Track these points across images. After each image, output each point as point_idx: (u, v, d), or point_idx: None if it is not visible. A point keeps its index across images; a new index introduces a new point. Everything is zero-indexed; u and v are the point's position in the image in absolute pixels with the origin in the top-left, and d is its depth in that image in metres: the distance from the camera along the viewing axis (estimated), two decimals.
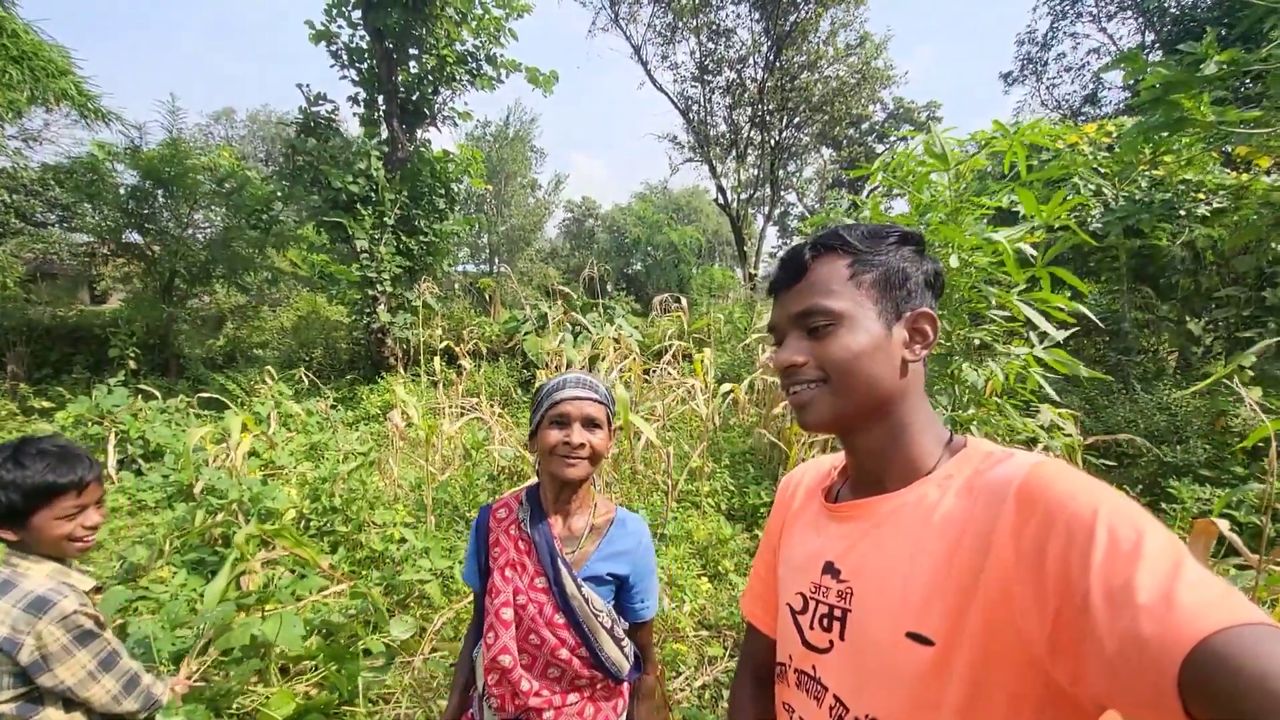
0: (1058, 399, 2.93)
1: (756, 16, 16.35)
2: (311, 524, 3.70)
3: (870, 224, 0.78)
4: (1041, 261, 2.24)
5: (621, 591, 1.31)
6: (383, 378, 9.11)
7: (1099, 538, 0.52)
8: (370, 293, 8.97)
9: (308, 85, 8.91)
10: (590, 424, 1.26)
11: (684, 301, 8.07)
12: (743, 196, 18.53)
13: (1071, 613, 0.52)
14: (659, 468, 4.78)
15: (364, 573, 3.46)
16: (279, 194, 9.57)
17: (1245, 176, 5.61)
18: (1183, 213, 5.81)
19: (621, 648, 1.26)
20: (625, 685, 1.33)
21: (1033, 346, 2.50)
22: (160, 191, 9.44)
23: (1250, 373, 4.23)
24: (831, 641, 0.74)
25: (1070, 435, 2.96)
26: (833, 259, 0.75)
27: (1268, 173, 5.50)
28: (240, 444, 4.04)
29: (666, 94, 17.78)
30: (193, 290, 10.46)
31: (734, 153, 17.93)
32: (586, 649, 1.23)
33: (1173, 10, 17.81)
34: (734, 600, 3.20)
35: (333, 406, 7.66)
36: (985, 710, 0.59)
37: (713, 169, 17.77)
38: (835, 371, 0.73)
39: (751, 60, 16.95)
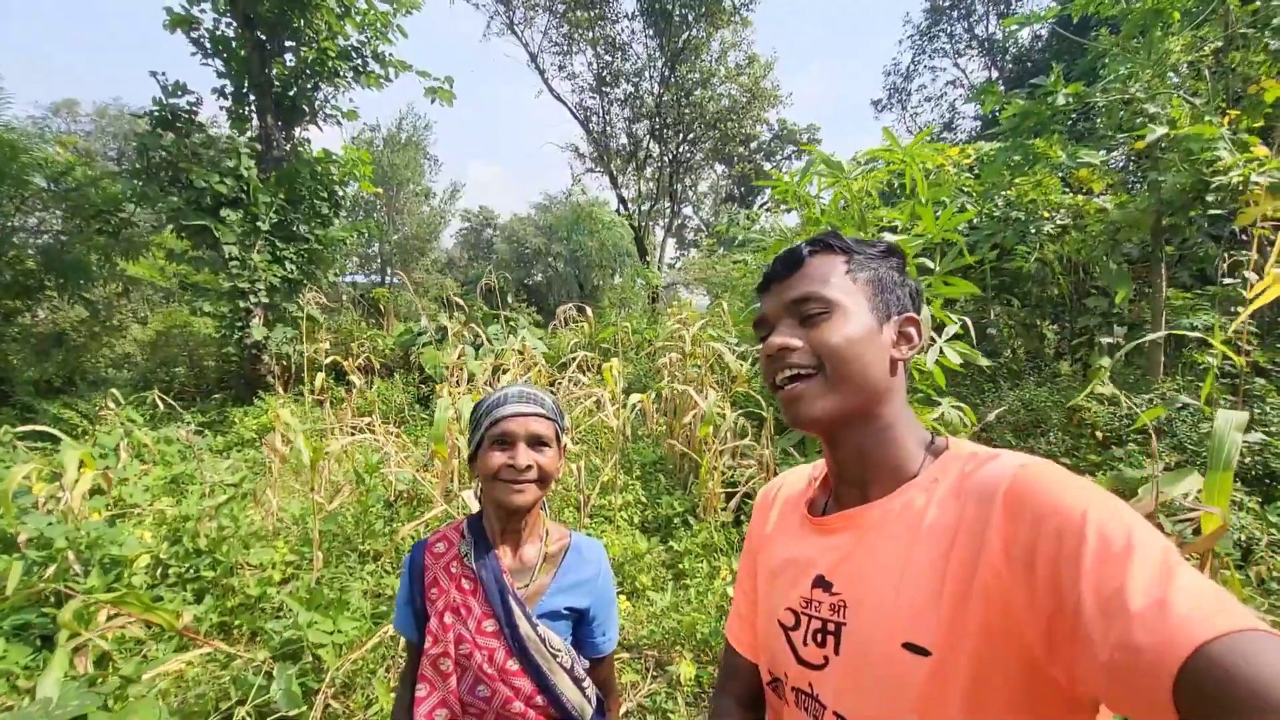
0: (939, 395, 3.12)
1: (651, 33, 16.69)
2: (171, 570, 3.22)
3: (859, 237, 0.82)
4: (940, 271, 2.36)
5: (580, 625, 1.20)
6: (259, 398, 8.27)
7: (1089, 540, 0.51)
8: (243, 304, 8.12)
9: (163, 74, 7.97)
10: (537, 443, 1.14)
11: (589, 311, 7.99)
12: (644, 208, 18.75)
13: (1064, 618, 0.51)
14: (570, 482, 4.63)
15: (236, 623, 3.05)
16: (130, 194, 8.46)
17: (1081, 199, 6.39)
18: (1033, 230, 6.53)
19: (582, 688, 1.14)
20: None
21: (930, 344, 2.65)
22: None
23: (1105, 370, 4.77)
24: (826, 657, 0.71)
25: (966, 426, 3.15)
26: (829, 256, 0.77)
27: (1101, 194, 6.27)
28: (78, 481, 3.46)
29: (565, 104, 17.70)
30: (22, 303, 9.01)
31: (634, 164, 18.13)
32: (545, 696, 1.09)
33: (1012, 50, 20.23)
34: (653, 618, 3.12)
35: (198, 432, 6.83)
36: (987, 714, 0.58)
37: (613, 180, 17.87)
38: (830, 358, 0.71)
39: (648, 74, 17.25)
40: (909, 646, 0.62)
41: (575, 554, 1.22)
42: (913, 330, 0.76)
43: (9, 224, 8.69)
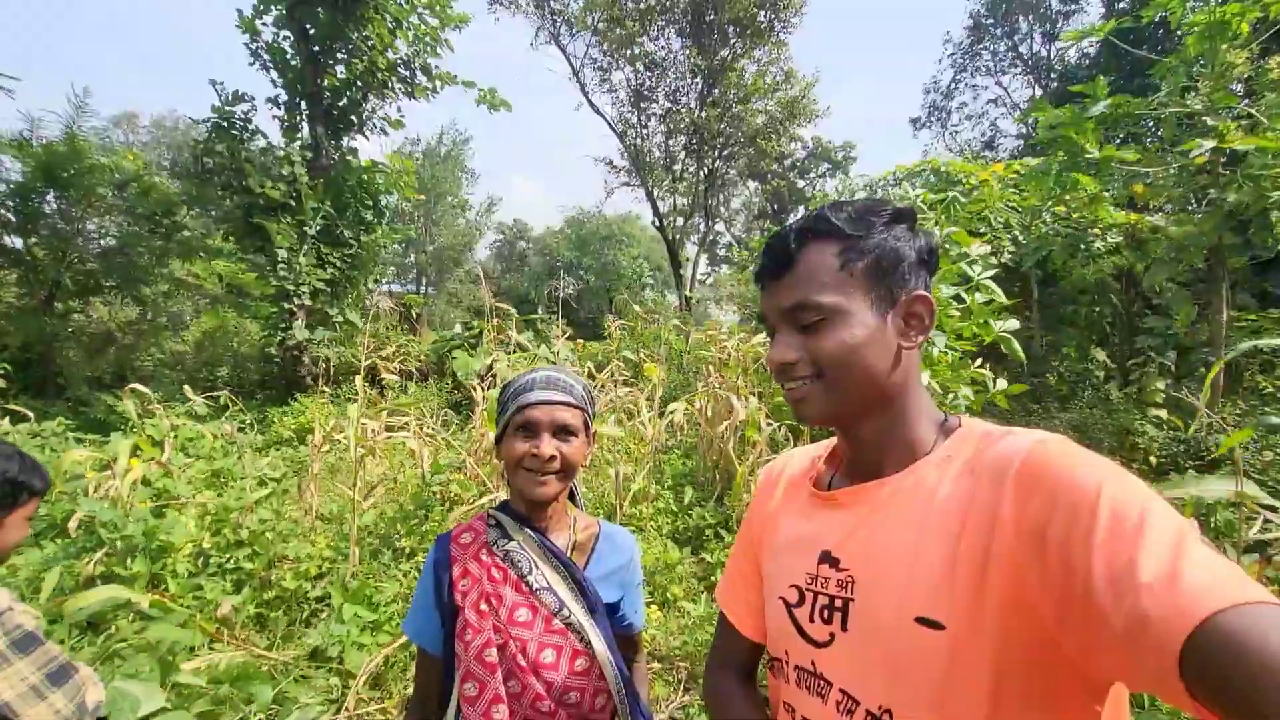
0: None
1: (688, 52, 16.81)
2: (212, 560, 3.27)
3: (860, 202, 0.73)
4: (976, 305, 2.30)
5: (610, 615, 1.14)
6: (296, 399, 8.46)
7: (1101, 516, 0.51)
8: (287, 306, 8.35)
9: (222, 83, 8.32)
10: (563, 432, 1.07)
11: (618, 321, 8.04)
12: (677, 222, 18.78)
13: (1075, 592, 0.51)
14: (600, 490, 4.60)
15: (271, 615, 3.08)
16: (184, 197, 8.80)
17: (1135, 216, 6.15)
18: (1083, 247, 6.30)
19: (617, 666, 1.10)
20: None
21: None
22: (51, 192, 8.47)
23: (1162, 393, 4.59)
24: (832, 634, 0.70)
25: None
26: (821, 246, 0.71)
27: (1156, 211, 6.03)
28: (129, 470, 3.56)
29: (604, 117, 17.90)
30: (77, 304, 9.41)
31: (669, 178, 18.19)
32: (587, 673, 1.04)
33: (1057, 68, 19.83)
34: (685, 629, 3.06)
35: (240, 428, 7.02)
36: (1008, 689, 0.57)
37: (649, 193, 17.94)
38: (830, 368, 0.70)
39: (686, 90, 17.37)
40: (922, 621, 0.61)
41: (607, 542, 1.17)
42: (922, 310, 0.72)
43: (74, 228, 9.11)
